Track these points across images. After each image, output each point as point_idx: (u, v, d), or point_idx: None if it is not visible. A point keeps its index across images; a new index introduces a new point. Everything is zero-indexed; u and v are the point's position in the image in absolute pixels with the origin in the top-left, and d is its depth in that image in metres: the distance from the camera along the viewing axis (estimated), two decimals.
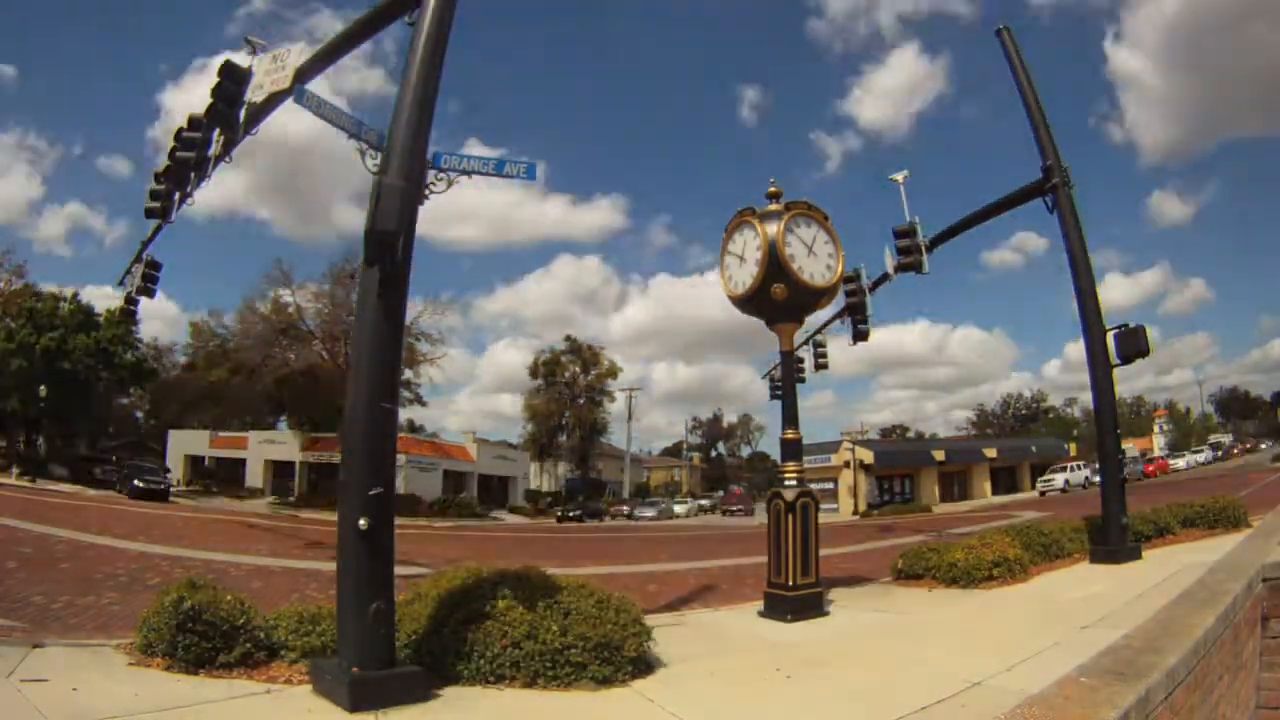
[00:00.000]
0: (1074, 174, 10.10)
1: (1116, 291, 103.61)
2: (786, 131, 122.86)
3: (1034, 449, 58.57)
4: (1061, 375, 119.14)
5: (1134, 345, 9.57)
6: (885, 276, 13.05)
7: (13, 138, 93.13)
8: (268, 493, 42.40)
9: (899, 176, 11.87)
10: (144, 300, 11.40)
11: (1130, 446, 55.79)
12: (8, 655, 4.31)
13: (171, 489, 33.44)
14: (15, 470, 33.42)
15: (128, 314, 12.45)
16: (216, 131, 7.80)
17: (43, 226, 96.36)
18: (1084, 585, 7.74)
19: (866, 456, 49.41)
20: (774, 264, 7.02)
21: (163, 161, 8.80)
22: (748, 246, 7.37)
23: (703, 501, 58.74)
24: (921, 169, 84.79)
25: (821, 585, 7.14)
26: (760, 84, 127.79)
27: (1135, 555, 9.26)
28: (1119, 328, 9.68)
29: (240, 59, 6.67)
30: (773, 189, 7.53)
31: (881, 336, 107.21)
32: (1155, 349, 10.07)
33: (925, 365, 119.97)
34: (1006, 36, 10.88)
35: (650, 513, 45.94)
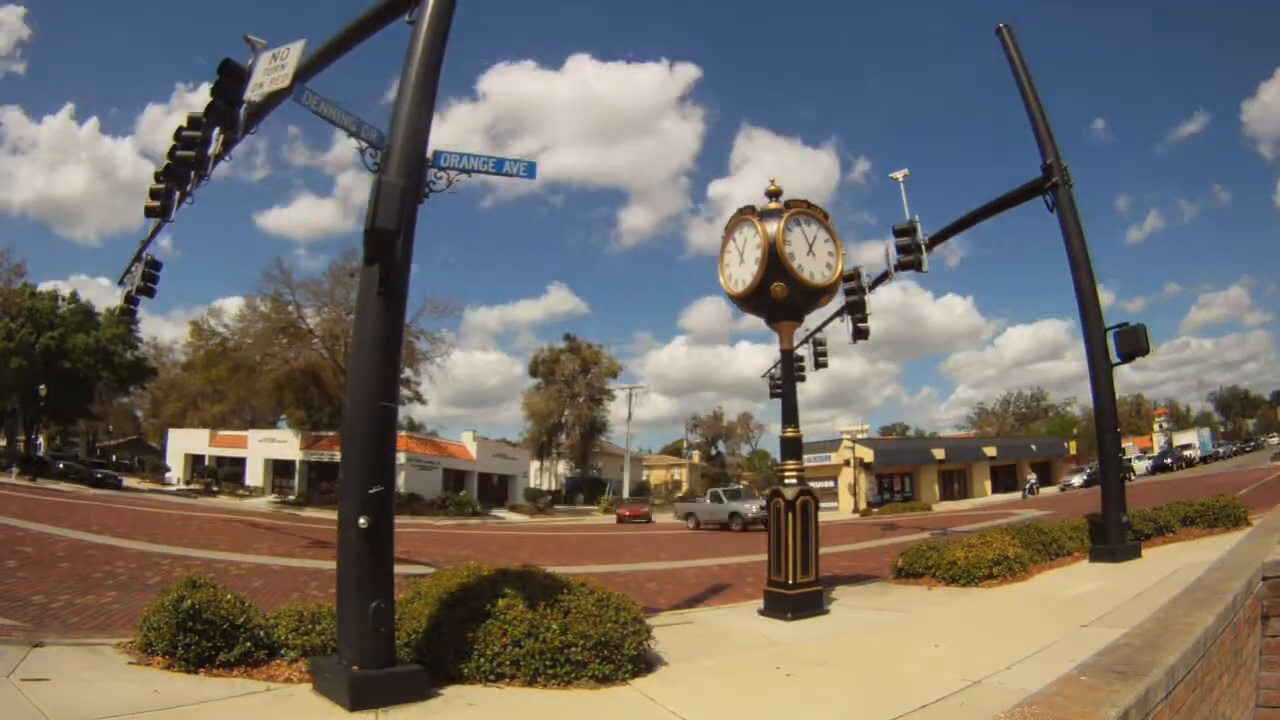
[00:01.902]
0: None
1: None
2: None
3: (1034, 448, 58.61)
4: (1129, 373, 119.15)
5: (1134, 344, 9.57)
6: (885, 275, 13.06)
7: None
8: (268, 491, 42.43)
9: (899, 175, 11.88)
10: None
11: (1130, 445, 55.85)
12: (8, 655, 4.31)
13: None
14: (15, 469, 33.40)
15: (127, 313, 12.44)
16: (216, 130, 7.80)
17: None
18: (1084, 584, 7.74)
19: (867, 455, 49.43)
20: (774, 262, 7.01)
21: (162, 160, 8.79)
22: (747, 245, 7.36)
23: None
24: None
25: (821, 584, 7.14)
26: None
27: (1135, 554, 9.26)
28: (1119, 326, 9.68)
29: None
30: (772, 187, 7.50)
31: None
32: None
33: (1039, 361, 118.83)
34: (1006, 35, 10.87)
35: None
